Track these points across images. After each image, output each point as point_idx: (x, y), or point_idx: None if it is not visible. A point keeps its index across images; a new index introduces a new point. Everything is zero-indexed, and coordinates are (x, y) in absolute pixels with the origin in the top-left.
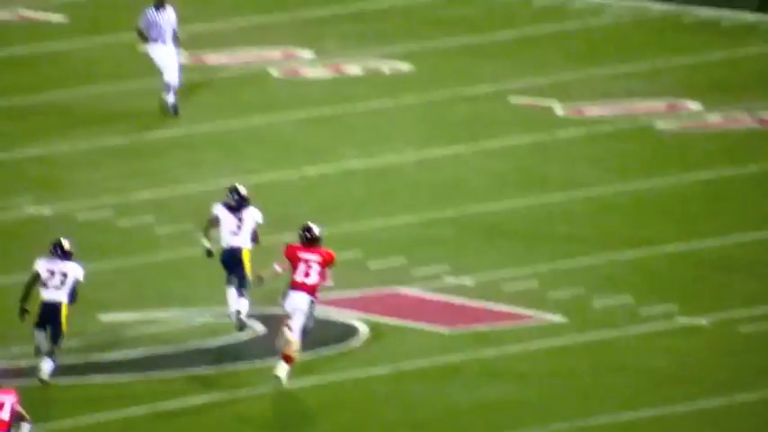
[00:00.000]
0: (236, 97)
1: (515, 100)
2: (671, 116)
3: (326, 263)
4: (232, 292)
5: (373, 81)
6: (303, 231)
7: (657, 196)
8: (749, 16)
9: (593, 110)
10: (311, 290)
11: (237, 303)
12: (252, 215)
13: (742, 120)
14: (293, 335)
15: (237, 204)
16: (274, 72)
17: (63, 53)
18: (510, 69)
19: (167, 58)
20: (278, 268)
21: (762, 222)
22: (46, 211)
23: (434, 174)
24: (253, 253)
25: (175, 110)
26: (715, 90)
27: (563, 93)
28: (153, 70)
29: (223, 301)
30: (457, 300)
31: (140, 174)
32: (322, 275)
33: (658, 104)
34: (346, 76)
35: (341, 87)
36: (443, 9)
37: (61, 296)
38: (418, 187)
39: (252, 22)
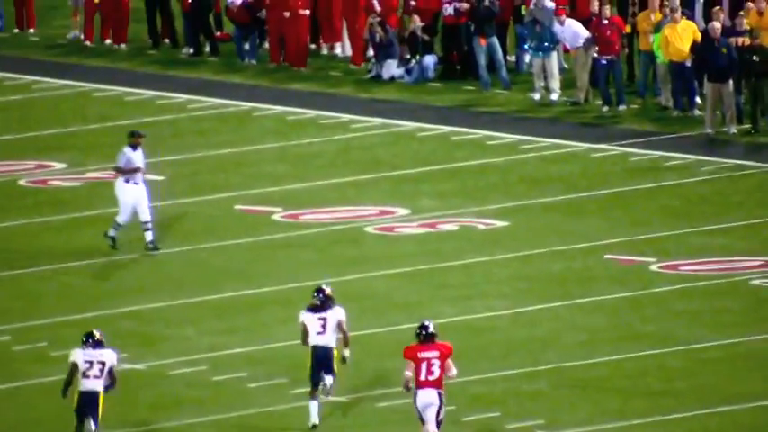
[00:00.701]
0: (331, 254)
1: (609, 256)
2: (767, 273)
3: (445, 356)
4: (314, 405)
5: (468, 237)
6: (419, 330)
7: (753, 352)
8: None
9: (689, 266)
10: (437, 384)
11: (317, 417)
12: (336, 314)
13: None
14: (432, 428)
15: (322, 303)
16: (369, 229)
17: (158, 211)
18: (605, 226)
19: (139, 197)
20: (408, 373)
21: None
22: (140, 366)
23: (529, 329)
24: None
25: (155, 246)
26: None
27: (658, 249)
28: (248, 231)
29: None
30: None
31: (234, 330)
32: (443, 368)
33: (754, 261)
34: (441, 232)
35: (435, 244)
36: (539, 167)
37: (99, 385)
38: (513, 342)
39: (348, 180)
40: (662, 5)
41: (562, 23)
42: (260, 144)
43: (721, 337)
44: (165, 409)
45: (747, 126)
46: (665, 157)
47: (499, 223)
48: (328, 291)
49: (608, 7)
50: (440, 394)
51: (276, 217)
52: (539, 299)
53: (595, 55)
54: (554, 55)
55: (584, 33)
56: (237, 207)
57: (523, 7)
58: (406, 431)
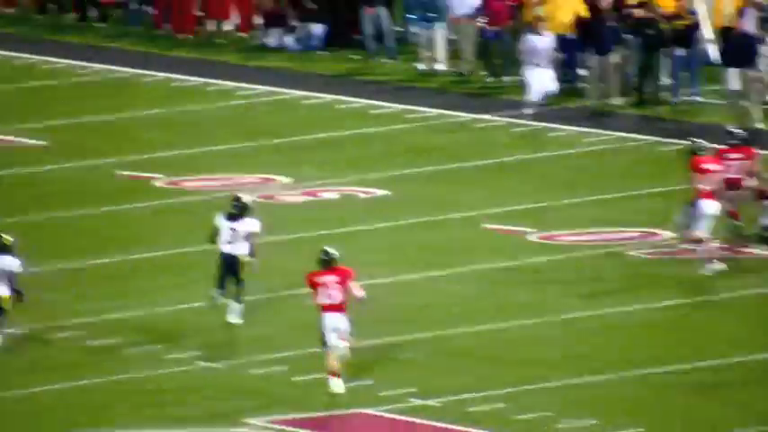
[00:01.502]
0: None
1: (489, 226)
2: (644, 244)
3: (344, 280)
4: (232, 305)
5: (349, 206)
6: (321, 255)
7: (627, 322)
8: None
9: (567, 237)
10: (340, 308)
11: (233, 316)
12: (247, 225)
13: (714, 247)
14: (342, 348)
15: (238, 212)
16: (251, 197)
17: (41, 176)
18: (485, 196)
19: None
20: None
21: (727, 348)
22: (16, 331)
23: (406, 297)
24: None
25: None
26: None
27: (537, 220)
28: (130, 197)
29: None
30: (422, 421)
31: (112, 296)
32: (343, 292)
33: (632, 232)
34: (322, 200)
35: (317, 212)
36: (423, 136)
37: (4, 290)
38: (389, 310)
39: (231, 147)
40: None
41: None
42: (145, 110)
43: (597, 308)
44: (41, 373)
45: (632, 98)
46: (549, 129)
47: (380, 192)
48: (245, 200)
49: None
50: (345, 317)
51: (158, 183)
52: (417, 268)
53: (482, 26)
54: (440, 26)
55: (473, 2)
56: (120, 173)
57: None
58: (282, 397)
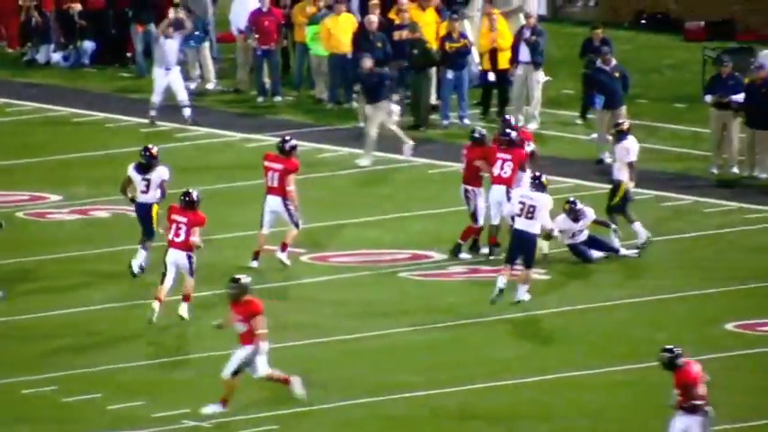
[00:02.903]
0: None
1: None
2: (414, 266)
3: (193, 224)
4: (140, 252)
5: (120, 224)
6: (182, 195)
7: (398, 344)
8: None
9: (339, 258)
10: (183, 246)
11: (141, 259)
12: (159, 173)
13: (484, 269)
14: (188, 278)
15: (147, 162)
16: (20, 214)
17: None
18: (255, 217)
19: None
20: (160, 230)
21: (500, 371)
22: None
23: (177, 317)
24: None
25: None
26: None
27: (309, 241)
28: None
29: None
30: None
31: None
32: (189, 234)
33: (402, 254)
34: (93, 218)
35: (87, 230)
36: (193, 156)
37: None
38: (161, 330)
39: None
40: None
41: None
42: None
43: (368, 329)
44: None
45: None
46: (318, 149)
47: None
48: (154, 151)
49: None
50: (189, 257)
51: None
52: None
53: (254, 44)
54: (206, 45)
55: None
56: None
57: None
58: (50, 418)
